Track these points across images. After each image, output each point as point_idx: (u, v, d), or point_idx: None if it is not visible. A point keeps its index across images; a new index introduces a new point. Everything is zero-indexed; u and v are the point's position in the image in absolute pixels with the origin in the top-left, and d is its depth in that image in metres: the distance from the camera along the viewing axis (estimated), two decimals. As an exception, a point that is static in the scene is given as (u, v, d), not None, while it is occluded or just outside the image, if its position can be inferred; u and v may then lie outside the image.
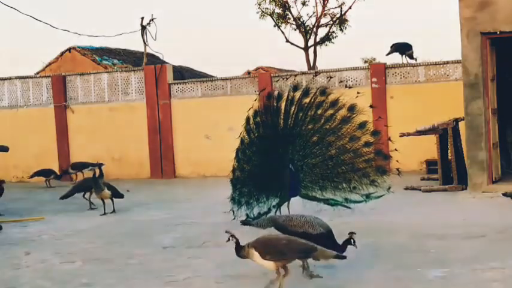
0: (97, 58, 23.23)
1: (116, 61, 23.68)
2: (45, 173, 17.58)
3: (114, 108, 19.01)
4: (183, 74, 20.85)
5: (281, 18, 31.35)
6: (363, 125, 9.80)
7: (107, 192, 11.96)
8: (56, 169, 18.26)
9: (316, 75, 17.14)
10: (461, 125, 12.95)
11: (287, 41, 31.41)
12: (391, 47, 17.14)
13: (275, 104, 9.89)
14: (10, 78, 20.04)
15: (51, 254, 8.59)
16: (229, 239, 5.95)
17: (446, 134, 13.02)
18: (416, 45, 17.13)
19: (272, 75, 18.27)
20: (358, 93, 10.02)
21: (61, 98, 19.30)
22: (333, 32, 31.95)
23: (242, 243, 5.99)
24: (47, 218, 11.89)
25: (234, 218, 9.70)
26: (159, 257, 8.10)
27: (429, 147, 14.40)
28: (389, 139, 10.76)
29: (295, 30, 31.66)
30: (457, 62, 15.68)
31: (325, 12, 31.29)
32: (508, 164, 14.13)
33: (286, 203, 9.97)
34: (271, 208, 9.92)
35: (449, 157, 13.08)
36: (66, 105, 19.29)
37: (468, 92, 12.12)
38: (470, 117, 12.15)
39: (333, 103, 9.83)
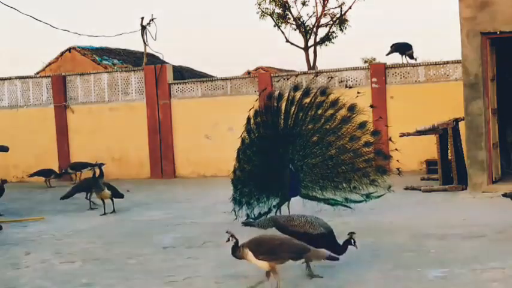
0: (97, 58, 23.23)
1: (116, 61, 23.68)
2: (45, 172, 17.59)
3: (114, 108, 19.01)
4: (183, 74, 20.86)
5: (281, 18, 31.34)
6: (363, 125, 9.80)
7: (107, 192, 11.97)
8: (56, 169, 18.28)
9: (317, 76, 17.14)
10: (461, 125, 12.95)
11: (287, 41, 31.42)
12: (391, 47, 17.14)
13: (275, 104, 9.89)
14: (10, 78, 20.05)
15: (51, 254, 8.59)
16: (228, 239, 5.97)
17: (446, 134, 13.02)
18: (416, 45, 17.20)
19: (272, 75, 18.27)
20: (358, 93, 10.03)
21: (61, 98, 19.30)
22: (333, 32, 31.97)
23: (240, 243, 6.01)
24: (47, 218, 11.90)
25: (236, 218, 9.71)
26: (159, 257, 8.10)
27: (429, 147, 14.40)
28: (390, 139, 10.75)
29: (295, 30, 31.68)
30: (457, 62, 15.69)
31: (325, 12, 31.30)
32: (508, 164, 14.14)
33: (286, 203, 9.97)
34: (272, 208, 9.93)
35: (449, 157, 13.08)
36: (66, 105, 19.29)
37: (468, 92, 12.12)
38: (470, 117, 12.15)
39: (333, 103, 9.82)
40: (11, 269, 7.85)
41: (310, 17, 31.46)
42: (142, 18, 19.49)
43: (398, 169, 10.39)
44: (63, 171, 17.85)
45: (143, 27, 19.47)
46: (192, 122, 18.25)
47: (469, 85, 12.10)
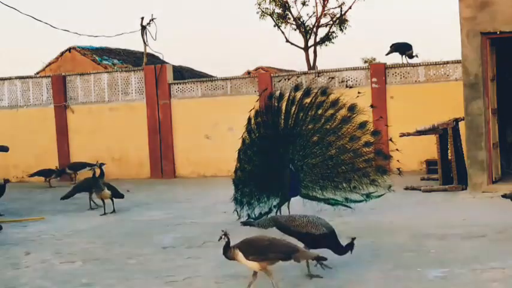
0: (97, 58, 23.23)
1: (116, 61, 23.68)
2: (46, 172, 17.59)
3: (114, 108, 19.01)
4: (183, 74, 20.86)
5: (281, 18, 31.35)
6: (363, 125, 9.79)
7: (107, 192, 11.97)
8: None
9: (318, 76, 17.14)
10: (461, 125, 12.95)
11: (287, 41, 31.43)
12: (391, 47, 17.14)
13: (276, 104, 9.89)
14: (10, 78, 20.05)
15: (51, 254, 8.59)
16: (221, 238, 5.98)
17: (446, 134, 13.02)
18: (416, 45, 17.20)
19: (272, 75, 18.27)
20: (358, 93, 10.02)
21: (61, 98, 19.31)
22: (333, 32, 31.97)
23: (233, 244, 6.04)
24: (47, 218, 11.90)
25: (239, 218, 9.72)
26: (159, 257, 8.10)
27: (429, 147, 14.40)
28: (390, 139, 10.74)
29: (295, 30, 31.68)
30: (457, 62, 15.69)
31: (325, 12, 31.30)
32: (508, 164, 14.14)
33: (286, 203, 9.98)
34: (272, 208, 9.93)
35: (449, 157, 13.08)
36: (66, 105, 19.29)
37: (468, 92, 12.12)
38: (470, 117, 12.15)
39: (333, 103, 9.82)
40: (11, 269, 7.85)
41: (310, 17, 31.50)
42: (142, 18, 19.52)
43: (398, 169, 10.39)
44: (62, 171, 17.83)
45: (143, 27, 19.47)
46: (192, 122, 18.25)
47: (469, 85, 12.10)
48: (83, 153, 18.47)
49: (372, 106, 11.26)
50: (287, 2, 31.08)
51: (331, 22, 31.70)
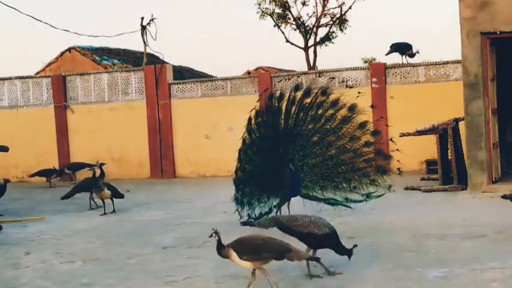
0: (97, 58, 23.23)
1: (116, 61, 23.68)
2: (46, 172, 17.59)
3: (114, 108, 19.01)
4: (183, 74, 20.86)
5: (281, 18, 31.34)
6: (363, 125, 9.79)
7: (107, 192, 11.97)
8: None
9: (319, 76, 17.14)
10: (461, 125, 12.95)
11: (287, 41, 31.42)
12: (391, 47, 17.14)
13: (276, 104, 9.89)
14: (10, 78, 20.05)
15: (51, 254, 8.59)
16: (212, 235, 6.01)
17: (446, 134, 13.02)
18: (416, 45, 17.17)
19: (272, 75, 18.27)
20: (359, 93, 10.01)
21: (61, 98, 19.31)
22: (333, 32, 31.97)
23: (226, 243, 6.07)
24: (47, 218, 11.90)
25: (241, 218, 9.72)
26: (159, 257, 8.10)
27: (429, 147, 14.40)
28: (391, 139, 10.74)
29: (295, 30, 31.68)
30: (457, 62, 15.69)
31: (325, 12, 31.30)
32: (508, 164, 14.14)
33: (286, 203, 9.97)
34: (273, 208, 9.93)
35: (449, 157, 13.08)
36: (66, 105, 19.29)
37: (468, 92, 12.12)
38: (470, 117, 12.15)
39: (333, 103, 9.81)
40: (11, 269, 7.85)
41: (310, 17, 31.50)
42: (142, 18, 19.52)
43: (398, 169, 10.39)
44: (60, 171, 17.83)
45: (143, 27, 19.47)
46: (192, 122, 18.25)
47: (469, 85, 12.10)
48: (83, 153, 18.47)
49: (372, 106, 11.26)
50: (287, 2, 31.08)
51: (331, 22, 31.70)
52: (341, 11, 31.25)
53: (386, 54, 17.29)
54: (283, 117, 9.90)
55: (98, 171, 12.44)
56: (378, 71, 16.90)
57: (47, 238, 9.87)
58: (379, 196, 9.97)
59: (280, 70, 28.16)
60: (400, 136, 12.88)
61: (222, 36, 67.21)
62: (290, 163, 9.85)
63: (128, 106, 18.90)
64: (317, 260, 6.21)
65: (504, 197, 8.80)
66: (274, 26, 31.49)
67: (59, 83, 19.35)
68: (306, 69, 29.08)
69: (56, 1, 66.66)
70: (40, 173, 17.57)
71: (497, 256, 7.13)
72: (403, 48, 16.95)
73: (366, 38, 60.93)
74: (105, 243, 9.21)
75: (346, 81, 16.84)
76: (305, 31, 31.39)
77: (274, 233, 7.02)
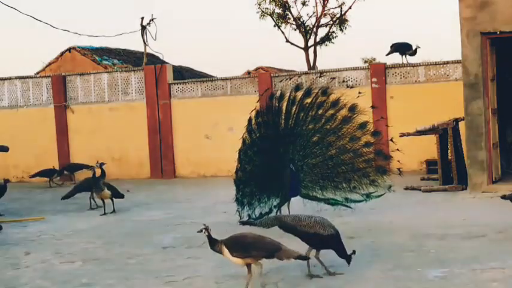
0: (97, 58, 23.23)
1: (116, 61, 23.68)
2: (47, 173, 17.58)
3: (114, 108, 19.01)
4: (183, 74, 20.87)
5: (281, 18, 31.35)
6: (363, 126, 9.79)
7: (107, 192, 11.97)
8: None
9: (320, 76, 17.14)
10: (461, 125, 12.95)
11: (287, 41, 31.42)
12: (391, 47, 17.15)
13: (277, 104, 9.89)
14: (10, 78, 20.05)
15: (51, 254, 8.59)
16: (201, 231, 6.11)
17: (446, 134, 13.03)
18: (416, 45, 17.11)
19: (272, 75, 18.28)
20: (359, 93, 10.01)
21: (61, 98, 19.31)
22: (333, 32, 31.97)
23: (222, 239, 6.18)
24: (47, 218, 11.90)
25: (241, 219, 9.71)
26: (159, 257, 8.11)
27: (429, 147, 14.40)
28: (391, 140, 10.74)
29: (295, 30, 31.68)
30: (457, 62, 15.69)
31: (325, 12, 31.30)
32: (508, 164, 14.14)
33: (286, 203, 9.97)
34: (273, 208, 9.93)
35: (449, 157, 13.08)
36: (66, 105, 19.29)
37: (468, 92, 12.12)
38: (470, 117, 12.15)
39: (333, 103, 9.82)
40: (11, 269, 7.86)
41: (310, 17, 31.50)
42: (142, 18, 19.52)
43: (398, 169, 10.40)
44: (60, 170, 17.83)
45: (143, 27, 19.47)
46: (192, 122, 18.25)
47: (469, 85, 12.10)
48: (83, 153, 18.48)
49: (372, 107, 11.27)
50: (287, 2, 31.08)
51: (331, 22, 31.70)
52: (341, 11, 31.28)
53: (387, 55, 17.30)
54: (283, 117, 9.90)
55: (98, 171, 12.44)
56: (378, 71, 16.91)
57: (47, 238, 9.87)
58: (379, 196, 9.97)
59: (280, 70, 28.15)
60: (400, 136, 12.88)
61: (222, 36, 67.27)
62: (290, 163, 9.85)
63: (128, 106, 18.90)
64: (306, 259, 6.20)
65: (503, 197, 8.80)
66: (274, 26, 31.52)
67: (59, 83, 19.35)
68: (306, 69, 29.09)
69: (56, 1, 66.70)
70: (41, 174, 17.57)
71: (497, 256, 7.14)
72: (403, 48, 16.95)
73: (366, 38, 60.97)
74: (105, 243, 9.21)
75: (346, 81, 16.83)
76: (305, 31, 31.40)
77: (274, 233, 7.02)
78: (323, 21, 31.64)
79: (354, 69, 17.28)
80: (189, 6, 72.68)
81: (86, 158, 17.68)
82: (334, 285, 6.38)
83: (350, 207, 10.04)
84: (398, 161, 10.06)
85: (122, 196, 12.33)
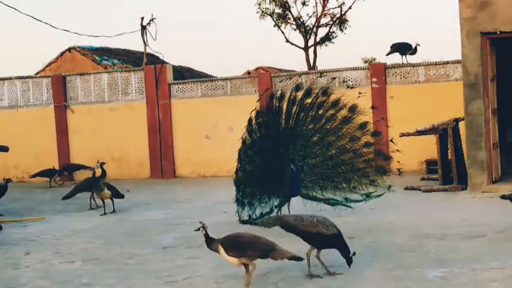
0: (97, 58, 23.23)
1: (116, 61, 23.68)
2: (48, 173, 17.58)
3: (114, 108, 19.02)
4: (183, 74, 20.86)
5: (281, 18, 31.34)
6: (363, 126, 9.79)
7: (107, 192, 11.97)
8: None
9: (321, 76, 17.13)
10: (461, 125, 12.95)
11: (287, 41, 31.41)
12: (391, 47, 17.15)
13: (277, 104, 9.90)
14: (10, 78, 20.05)
15: (51, 254, 8.59)
16: (198, 229, 6.17)
17: (446, 134, 13.03)
18: (416, 43, 17.11)
19: (272, 75, 18.28)
20: (360, 93, 10.01)
21: (61, 98, 19.31)
22: (333, 32, 31.96)
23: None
24: (47, 218, 11.90)
25: (239, 219, 9.71)
26: (159, 257, 8.11)
27: (429, 147, 14.41)
28: (391, 140, 10.75)
29: (295, 30, 31.67)
30: (457, 62, 15.69)
31: (325, 12, 31.28)
32: (508, 164, 14.13)
33: (286, 203, 9.98)
34: (274, 208, 9.94)
35: (449, 157, 13.08)
36: (66, 105, 19.29)
37: (468, 92, 12.12)
38: (470, 117, 12.15)
39: (334, 103, 9.82)
40: (11, 269, 7.86)
41: (310, 17, 31.48)
42: (142, 18, 19.53)
43: (398, 170, 10.40)
44: (60, 170, 17.83)
45: (143, 27, 19.47)
46: (192, 122, 18.25)
47: (469, 85, 12.10)
48: (83, 153, 18.48)
49: (373, 107, 11.28)
50: (287, 2, 31.07)
51: (331, 22, 31.69)
52: (341, 11, 31.26)
53: (387, 55, 17.30)
54: (283, 117, 9.91)
55: (98, 171, 12.43)
56: (378, 71, 16.91)
57: (47, 238, 9.87)
58: (378, 196, 9.97)
59: (280, 70, 28.15)
60: (400, 136, 12.89)
61: (222, 36, 67.26)
62: (291, 163, 9.85)
63: (128, 106, 18.90)
64: (300, 259, 6.17)
65: (503, 197, 8.80)
66: (274, 26, 31.51)
67: (59, 83, 19.35)
68: (306, 69, 29.08)
69: (56, 1, 66.70)
70: (42, 174, 17.56)
71: (497, 256, 7.14)
72: (403, 48, 16.95)
73: (366, 38, 60.97)
74: (105, 243, 9.21)
75: (346, 82, 16.83)
76: (305, 31, 31.39)
77: (274, 233, 7.04)
78: (323, 21, 31.66)
79: (354, 69, 17.28)
80: (189, 6, 72.71)
81: (86, 158, 17.68)
82: (334, 285, 6.38)
83: (350, 207, 10.05)
84: (398, 161, 10.06)
85: (122, 196, 12.34)
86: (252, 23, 69.66)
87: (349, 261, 6.63)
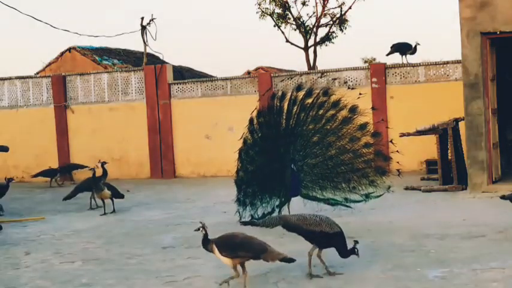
0: (97, 58, 23.23)
1: (116, 61, 23.68)
2: (49, 172, 17.58)
3: (114, 108, 19.02)
4: (183, 74, 20.86)
5: (281, 18, 31.34)
6: (363, 126, 9.80)
7: (107, 192, 11.97)
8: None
9: (322, 76, 17.13)
10: (461, 125, 12.95)
11: (287, 41, 31.41)
12: (392, 47, 17.15)
13: (278, 104, 9.90)
14: (10, 78, 20.05)
15: (51, 254, 8.59)
16: (198, 229, 6.18)
17: (446, 134, 13.03)
18: (416, 42, 17.12)
19: (272, 75, 18.28)
20: (360, 94, 10.01)
21: (61, 98, 19.31)
22: (333, 32, 31.96)
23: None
24: (47, 218, 11.90)
25: (241, 219, 9.71)
26: (159, 257, 8.10)
27: (429, 147, 14.40)
28: (391, 141, 10.75)
29: (295, 30, 31.67)
30: (457, 62, 15.70)
31: (325, 12, 31.29)
32: (508, 164, 14.13)
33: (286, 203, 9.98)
34: (275, 208, 9.94)
35: (449, 157, 13.08)
36: (66, 105, 19.29)
37: (468, 92, 12.12)
38: (470, 117, 12.15)
39: (334, 104, 9.83)
40: (11, 269, 7.86)
41: (310, 17, 31.49)
42: (142, 18, 19.53)
43: (398, 170, 10.40)
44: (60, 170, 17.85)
45: (143, 27, 19.48)
46: (192, 122, 18.25)
47: (469, 85, 12.10)
48: (83, 153, 18.48)
49: (373, 108, 11.29)
50: (287, 2, 31.08)
51: (331, 22, 31.69)
52: (341, 11, 31.27)
53: (387, 55, 17.30)
54: (284, 117, 9.91)
55: (98, 171, 12.43)
56: (378, 71, 16.91)
57: (47, 238, 9.87)
58: (378, 196, 9.97)
59: (280, 70, 28.16)
60: (400, 136, 12.89)
61: (222, 36, 67.27)
62: (292, 163, 9.85)
63: (128, 106, 18.90)
64: (291, 261, 6.15)
65: (503, 197, 8.79)
66: (274, 26, 31.52)
67: (59, 83, 19.35)
68: (306, 69, 29.08)
69: (56, 1, 66.71)
70: (43, 173, 17.56)
71: (497, 256, 7.14)
72: (404, 48, 16.95)
73: (366, 38, 60.99)
74: (105, 243, 9.21)
75: (346, 82, 16.82)
76: (305, 31, 31.39)
77: (276, 232, 7.04)
78: (323, 21, 31.66)
79: (354, 69, 17.28)
80: (189, 6, 72.68)
81: (86, 158, 17.68)
82: (334, 285, 6.38)
83: (350, 207, 10.05)
84: (398, 162, 10.06)
85: (122, 196, 12.34)
86: (252, 23, 69.80)
87: (354, 253, 6.59)
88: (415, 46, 16.77)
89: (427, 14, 66.81)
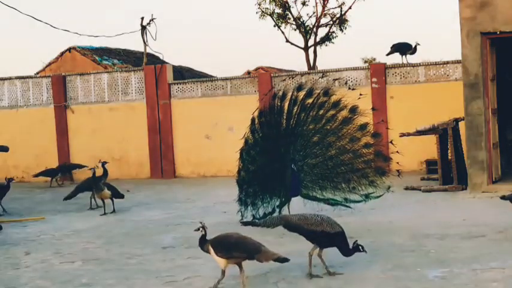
0: (97, 58, 23.23)
1: (116, 61, 23.68)
2: (50, 172, 17.58)
3: (114, 108, 19.02)
4: (183, 74, 20.86)
5: (281, 18, 31.33)
6: (363, 127, 9.80)
7: (107, 192, 11.97)
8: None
9: (322, 77, 17.13)
10: (461, 125, 12.95)
11: (287, 41, 31.40)
12: (392, 47, 17.15)
13: (279, 104, 9.91)
14: (10, 78, 20.05)
15: (51, 254, 8.59)
16: (198, 229, 6.19)
17: (446, 134, 13.03)
18: (415, 42, 17.12)
19: (272, 75, 18.28)
20: (360, 94, 10.01)
21: (61, 98, 19.31)
22: (333, 32, 31.94)
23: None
24: (47, 218, 11.90)
25: (242, 218, 9.72)
26: (159, 257, 8.11)
27: (429, 147, 14.40)
28: (391, 142, 10.75)
29: (295, 30, 31.66)
30: (457, 62, 15.70)
31: (325, 12, 31.27)
32: (508, 164, 14.13)
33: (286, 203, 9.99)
34: (276, 208, 9.94)
35: (449, 157, 13.08)
36: (66, 105, 19.29)
37: (468, 92, 12.12)
38: (470, 117, 12.15)
39: (334, 104, 9.83)
40: (11, 269, 7.86)
41: (310, 17, 31.46)
42: (142, 18, 19.53)
43: (398, 171, 10.40)
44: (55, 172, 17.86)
45: (143, 27, 19.48)
46: (192, 122, 18.25)
47: (469, 85, 12.10)
48: (83, 153, 18.48)
49: (373, 109, 11.29)
50: (287, 2, 31.06)
51: (331, 22, 31.68)
52: (341, 11, 31.24)
53: (387, 55, 17.30)
54: (285, 117, 9.92)
55: (98, 171, 12.43)
56: (378, 71, 16.91)
57: (47, 238, 9.87)
58: (378, 197, 9.98)
59: (280, 70, 28.16)
60: (400, 136, 12.89)
61: (222, 36, 67.27)
62: (292, 163, 9.85)
63: (128, 106, 18.90)
64: (285, 261, 6.13)
65: (503, 197, 8.79)
66: (274, 26, 31.50)
67: (59, 83, 19.35)
68: (306, 69, 29.07)
69: (56, 1, 66.72)
70: (44, 173, 17.57)
71: (497, 256, 7.14)
72: (404, 48, 16.95)
73: (366, 38, 60.99)
74: (105, 243, 9.21)
75: (346, 82, 16.82)
76: (305, 31, 31.38)
77: (276, 232, 7.03)
78: (323, 21, 31.63)
79: (354, 69, 17.28)
80: (189, 6, 72.69)
81: (86, 158, 17.68)
82: (334, 285, 6.38)
83: (349, 207, 10.05)
84: (398, 162, 10.06)
85: (122, 196, 12.34)
86: (252, 23, 69.80)
87: (359, 250, 6.58)
88: (415, 46, 16.77)
89: (427, 14, 66.85)
